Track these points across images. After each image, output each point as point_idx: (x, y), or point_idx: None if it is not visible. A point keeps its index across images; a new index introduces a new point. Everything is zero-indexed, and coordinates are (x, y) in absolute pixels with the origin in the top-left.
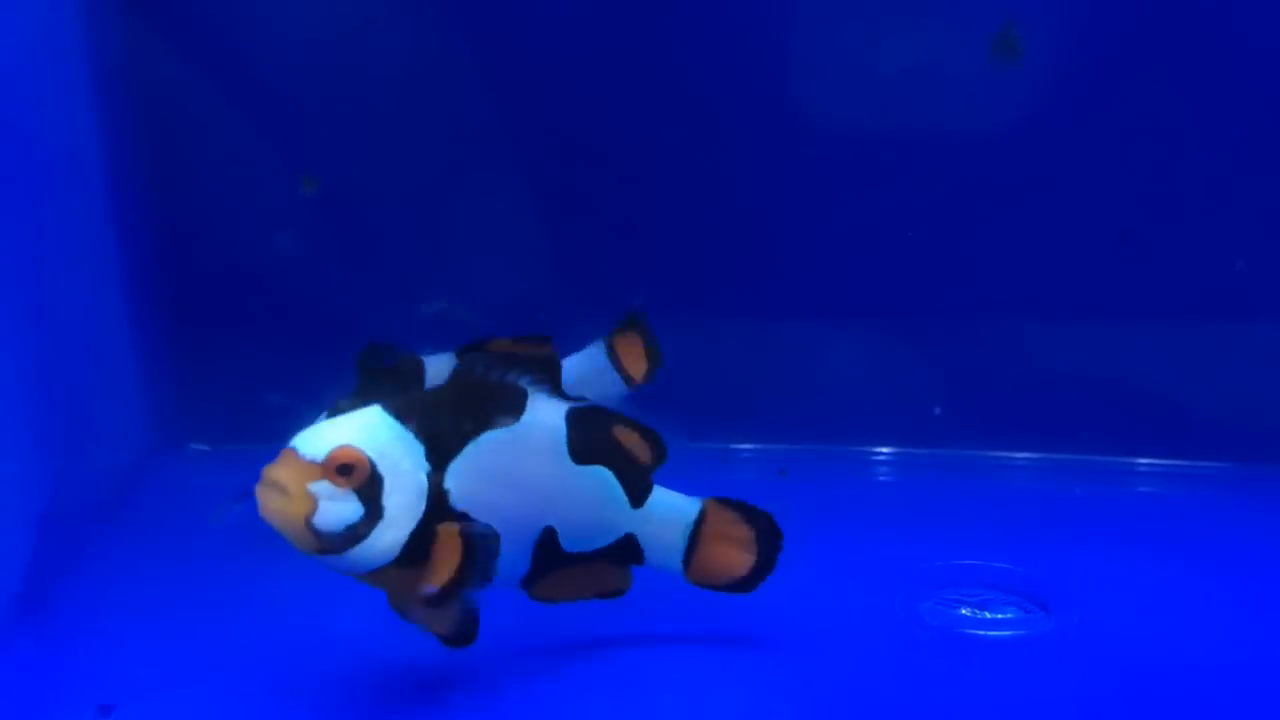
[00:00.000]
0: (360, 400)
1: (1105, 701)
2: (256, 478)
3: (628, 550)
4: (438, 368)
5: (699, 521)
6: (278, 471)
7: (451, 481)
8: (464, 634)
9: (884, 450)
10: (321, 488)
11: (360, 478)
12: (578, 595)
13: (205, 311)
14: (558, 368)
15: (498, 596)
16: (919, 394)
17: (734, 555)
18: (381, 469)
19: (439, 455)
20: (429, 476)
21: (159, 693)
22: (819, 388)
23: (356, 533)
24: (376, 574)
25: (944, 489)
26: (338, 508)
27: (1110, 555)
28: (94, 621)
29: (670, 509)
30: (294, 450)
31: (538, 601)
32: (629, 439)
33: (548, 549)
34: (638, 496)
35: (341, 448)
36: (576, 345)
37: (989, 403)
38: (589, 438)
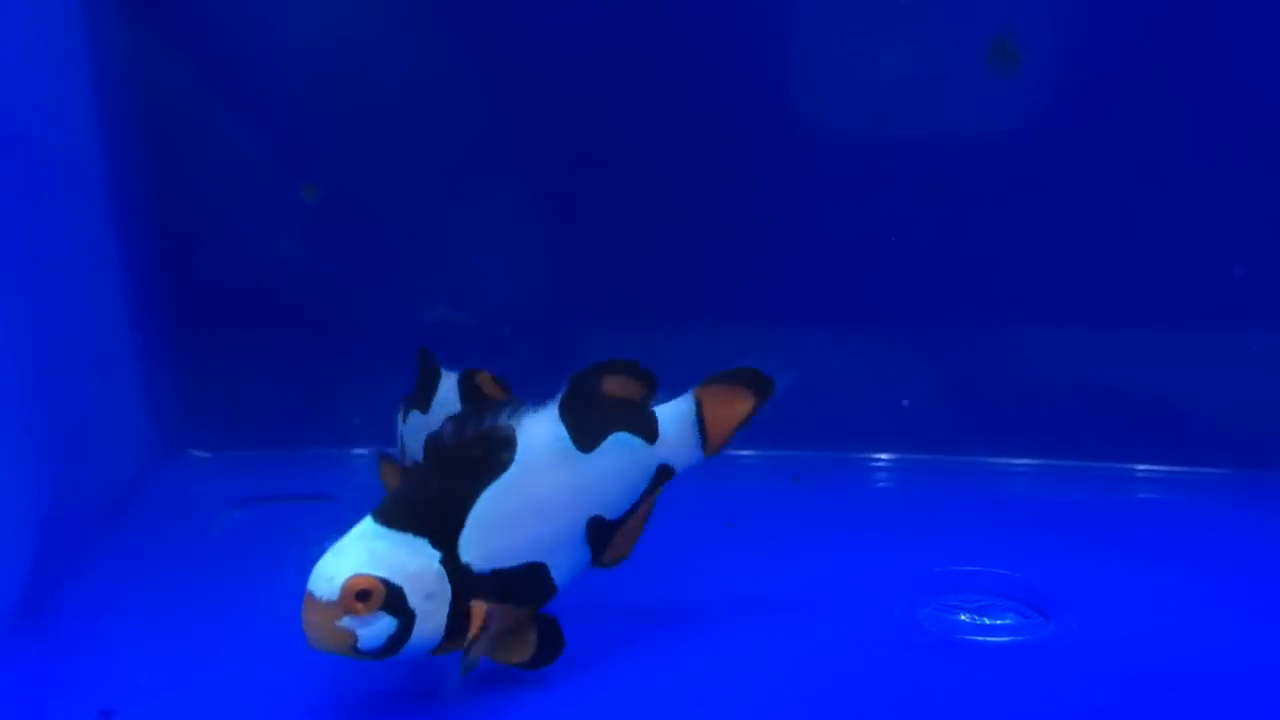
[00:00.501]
0: (420, 396)
1: (1103, 706)
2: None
3: (663, 475)
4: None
5: (699, 409)
6: (309, 616)
7: (467, 554)
8: (546, 653)
9: (884, 456)
10: (349, 621)
11: (379, 598)
12: (633, 540)
13: (206, 318)
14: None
15: None
16: (920, 401)
17: (736, 409)
18: (395, 580)
19: (442, 539)
20: (442, 563)
21: (159, 697)
22: (820, 394)
23: (399, 639)
24: (436, 650)
25: (944, 495)
26: (373, 630)
27: (1109, 561)
28: (95, 626)
29: (676, 419)
30: (311, 595)
31: (610, 566)
32: (618, 386)
33: (599, 531)
34: (651, 432)
35: (350, 580)
36: (576, 352)
37: (989, 409)
38: (588, 419)
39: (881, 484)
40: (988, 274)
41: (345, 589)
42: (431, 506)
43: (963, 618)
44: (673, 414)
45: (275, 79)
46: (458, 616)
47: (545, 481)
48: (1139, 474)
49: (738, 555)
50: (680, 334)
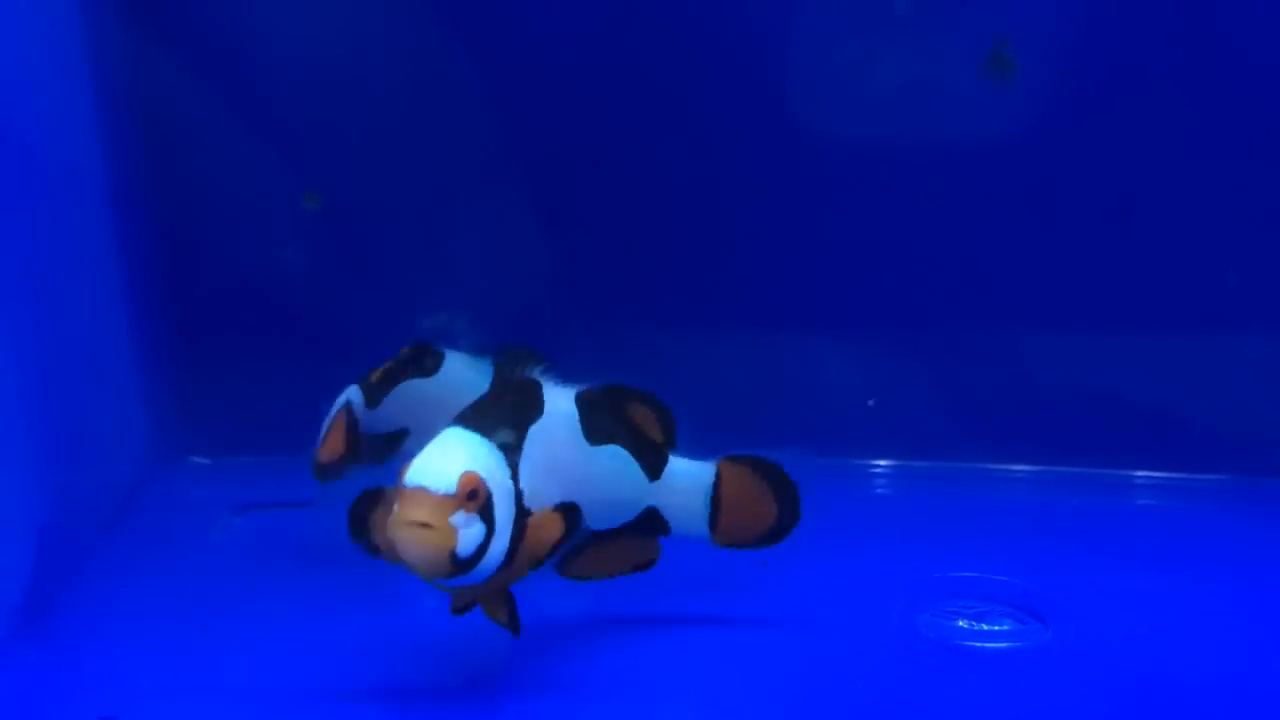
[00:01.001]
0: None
1: (1101, 712)
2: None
3: (652, 523)
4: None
5: (716, 483)
6: (418, 511)
7: (523, 482)
8: (516, 620)
9: (883, 463)
10: (459, 518)
11: (482, 499)
12: (609, 572)
13: (207, 325)
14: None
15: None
16: (918, 407)
17: (757, 510)
18: (491, 486)
19: (513, 460)
20: (512, 480)
21: (161, 704)
22: (818, 401)
23: (480, 552)
24: (485, 586)
25: (942, 502)
26: (472, 533)
27: (1107, 567)
28: (96, 633)
29: (687, 477)
30: (425, 489)
31: (570, 579)
32: (641, 415)
33: (579, 529)
34: (654, 469)
35: (466, 474)
36: (576, 360)
37: (988, 416)
38: (602, 418)
39: (880, 490)
40: (986, 281)
41: (463, 482)
42: (503, 429)
43: (961, 624)
44: (686, 469)
45: (276, 88)
46: (514, 544)
47: (558, 443)
48: (1137, 480)
49: (736, 561)
50: (680, 341)
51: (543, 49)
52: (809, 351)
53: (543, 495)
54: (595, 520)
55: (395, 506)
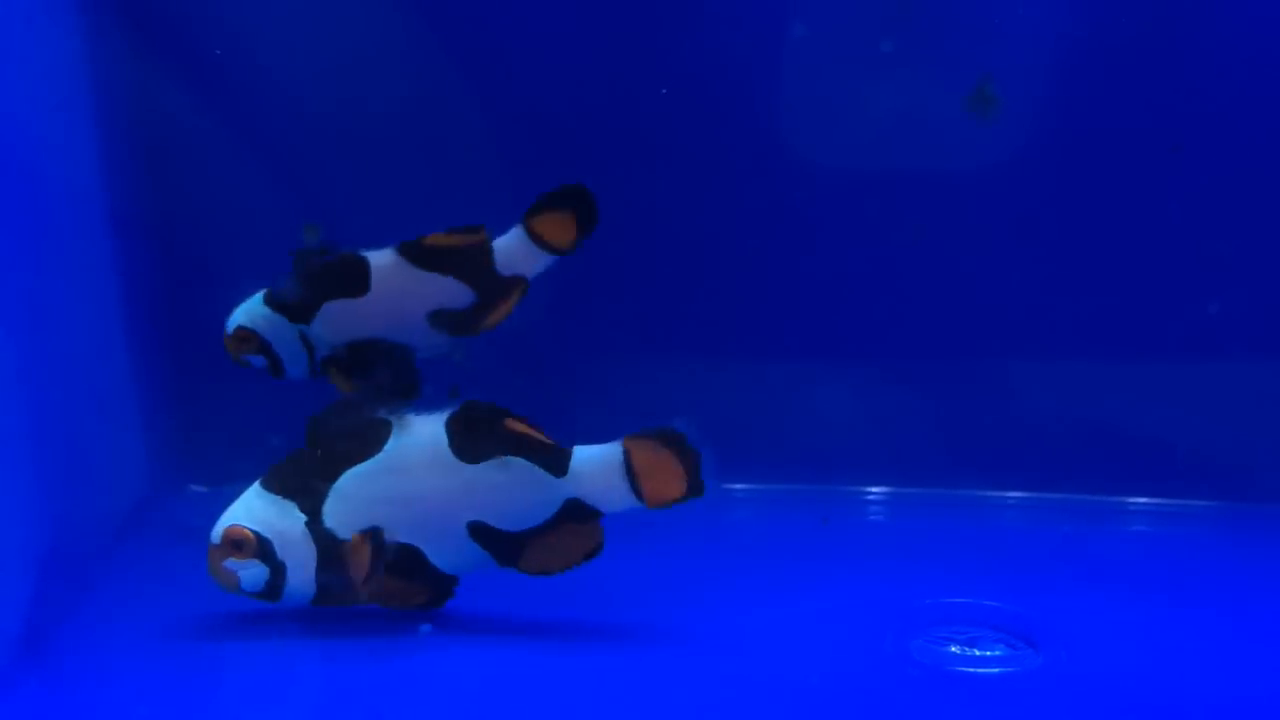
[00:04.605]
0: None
1: None
2: None
3: (580, 511)
4: (380, 263)
5: (627, 458)
6: (209, 558)
7: (330, 521)
8: (437, 598)
9: (876, 490)
10: (231, 564)
11: (251, 547)
12: (565, 562)
13: (205, 354)
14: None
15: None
16: (911, 435)
17: (672, 468)
18: (266, 534)
19: (309, 505)
20: (307, 525)
21: None
22: (811, 428)
23: (275, 585)
24: (328, 600)
25: (935, 528)
26: (250, 574)
27: (1099, 593)
28: (95, 661)
29: (597, 461)
30: (210, 541)
31: (531, 575)
32: (520, 426)
33: (489, 535)
34: (558, 467)
35: (228, 529)
36: (568, 386)
37: (980, 443)
38: (478, 437)
39: (874, 516)
40: (977, 310)
41: (225, 536)
42: (303, 476)
43: (953, 649)
44: (594, 454)
45: (277, 118)
46: (330, 573)
47: (415, 475)
48: (1129, 507)
49: (729, 586)
50: (673, 369)
51: (542, 80)
52: (802, 379)
53: (384, 521)
54: (507, 523)
55: None
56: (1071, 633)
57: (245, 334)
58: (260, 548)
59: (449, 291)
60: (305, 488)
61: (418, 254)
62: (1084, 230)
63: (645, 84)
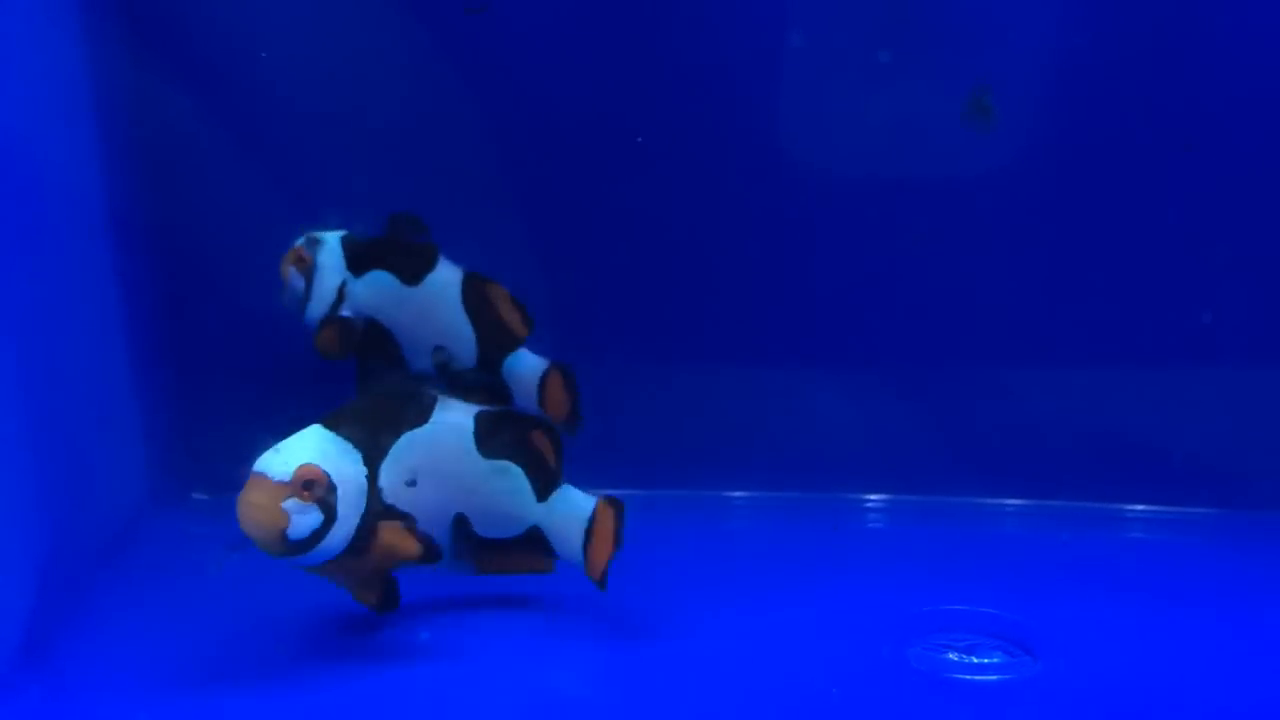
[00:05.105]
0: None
1: None
2: None
3: (536, 542)
4: (442, 272)
5: (593, 517)
6: (253, 494)
7: (384, 480)
8: (388, 603)
9: (875, 497)
10: (291, 504)
11: (320, 490)
12: (512, 569)
13: (206, 362)
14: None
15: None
16: (909, 442)
17: (606, 546)
18: (335, 479)
19: (372, 458)
20: (367, 478)
21: None
22: (810, 436)
23: (318, 536)
24: (326, 566)
25: (934, 535)
26: (305, 519)
27: (1096, 600)
28: (95, 669)
29: (570, 504)
30: (264, 475)
31: (483, 573)
32: (539, 440)
33: (463, 533)
34: (544, 490)
35: (303, 466)
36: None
37: (978, 451)
38: (500, 436)
39: (872, 524)
40: (976, 317)
41: (298, 473)
42: (370, 427)
43: (951, 656)
44: (572, 498)
45: (279, 125)
46: (361, 534)
47: (442, 454)
48: (1128, 514)
49: (728, 593)
50: (675, 376)
51: (545, 88)
52: (800, 387)
53: (417, 496)
54: (482, 526)
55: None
56: (1069, 640)
57: (303, 255)
58: (327, 493)
59: (462, 340)
60: (369, 439)
61: (470, 290)
62: (1082, 238)
63: (646, 94)
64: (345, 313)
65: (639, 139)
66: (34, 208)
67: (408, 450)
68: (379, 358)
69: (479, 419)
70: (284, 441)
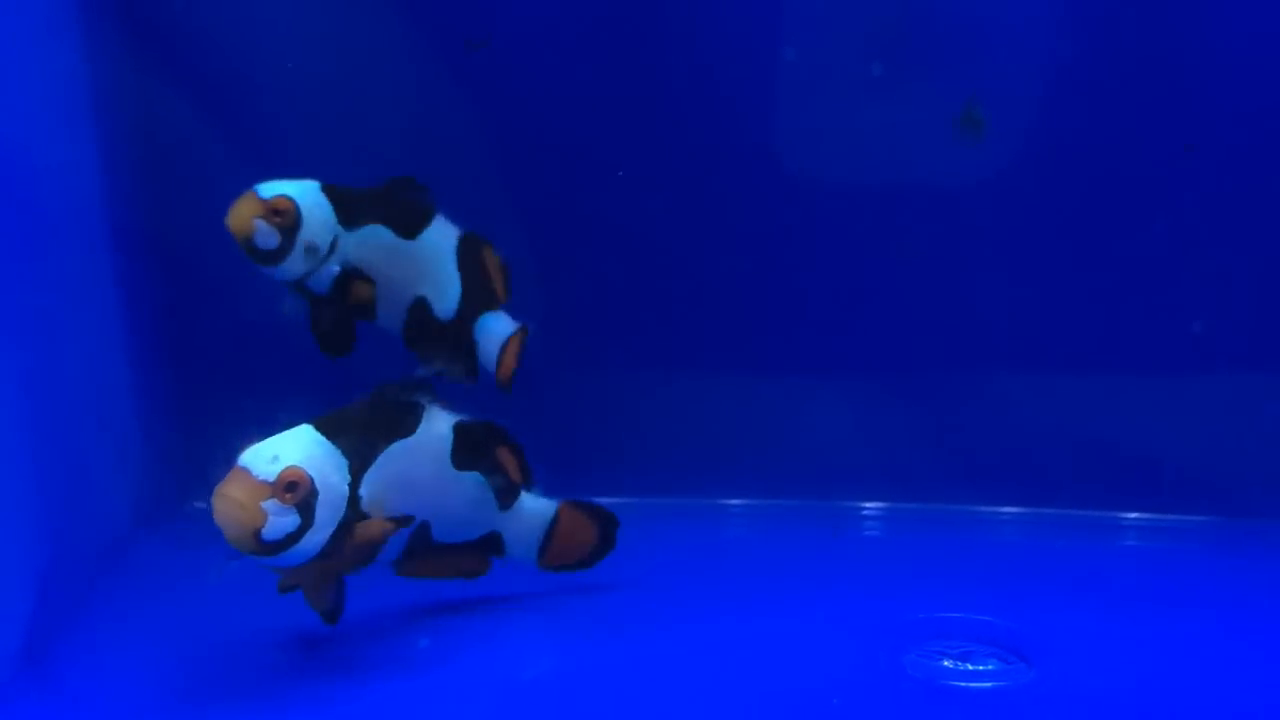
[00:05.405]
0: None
1: None
2: None
3: (490, 544)
4: (438, 227)
5: (554, 521)
6: (233, 489)
7: (364, 489)
8: (335, 611)
9: (871, 505)
10: (270, 505)
11: (302, 494)
12: (438, 574)
13: (206, 370)
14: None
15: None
16: (906, 450)
17: (579, 543)
18: (318, 484)
19: (357, 467)
20: (349, 485)
21: None
22: (807, 444)
23: (291, 540)
24: (291, 574)
25: (930, 543)
26: (282, 521)
27: (1092, 608)
28: (94, 678)
29: (531, 512)
30: (247, 470)
31: (402, 576)
32: (504, 456)
33: (420, 539)
34: (505, 502)
35: (289, 468)
36: (567, 404)
37: (975, 459)
38: (471, 449)
39: (868, 532)
40: (973, 326)
41: (283, 475)
42: (361, 436)
43: (946, 663)
44: (532, 506)
45: (282, 136)
46: (334, 540)
47: (422, 464)
48: (1123, 522)
49: (724, 600)
50: (667, 385)
51: (538, 99)
52: (797, 395)
53: (392, 506)
54: (443, 534)
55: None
56: (1064, 647)
57: (286, 206)
58: (307, 498)
59: (447, 295)
60: (358, 447)
61: (466, 248)
62: (1076, 247)
63: (642, 107)
64: (334, 266)
65: (620, 173)
66: (34, 214)
67: (391, 461)
68: (347, 308)
69: (457, 430)
70: (272, 438)
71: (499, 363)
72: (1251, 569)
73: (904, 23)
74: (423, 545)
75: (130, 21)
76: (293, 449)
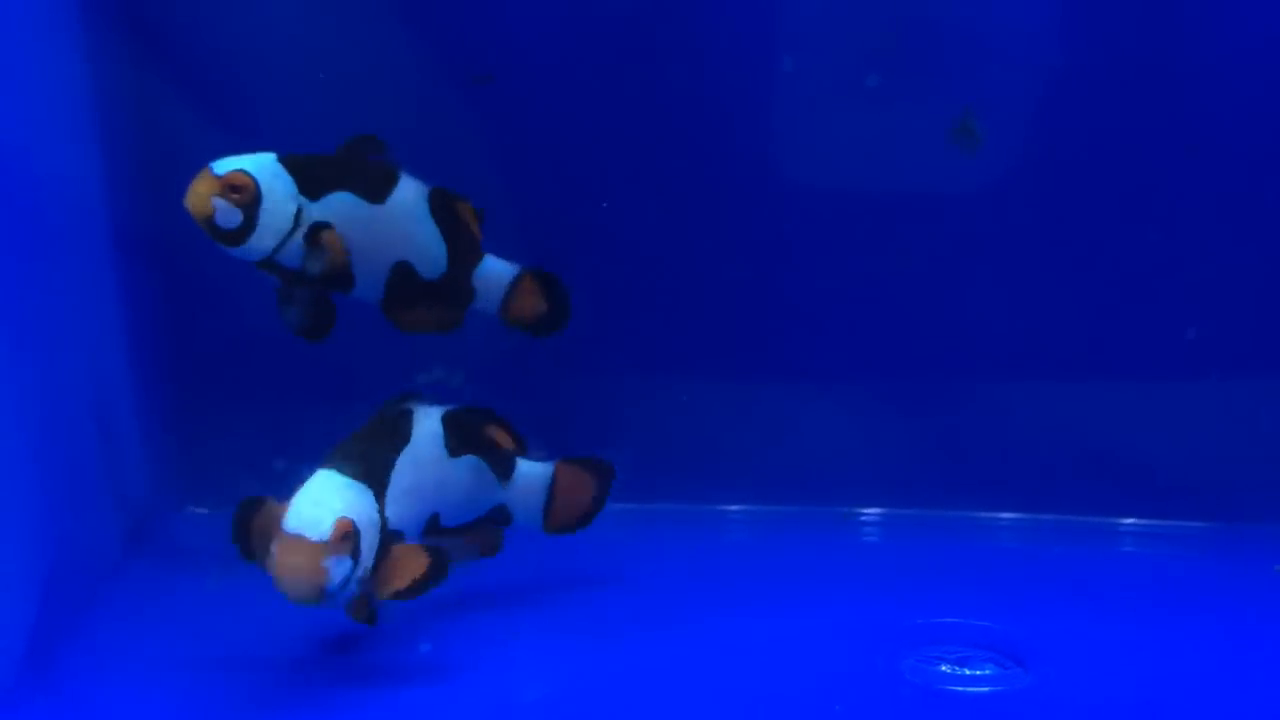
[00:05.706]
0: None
1: None
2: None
3: (498, 516)
4: (407, 186)
5: (553, 481)
6: (294, 558)
7: (389, 510)
8: (373, 614)
9: (868, 511)
10: (331, 561)
11: (354, 540)
12: (456, 560)
13: (206, 376)
14: None
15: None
16: (904, 456)
17: (579, 499)
18: (359, 525)
19: (378, 493)
20: (379, 512)
21: None
22: (806, 450)
23: (346, 583)
24: (350, 605)
25: (928, 549)
26: (338, 571)
27: (1089, 613)
28: (97, 682)
29: (530, 475)
30: (301, 536)
31: None
32: (496, 433)
33: (432, 528)
34: (504, 475)
35: (338, 521)
36: (566, 411)
37: (972, 464)
38: (461, 434)
39: (866, 537)
40: (968, 333)
41: (336, 529)
42: (370, 461)
43: (944, 668)
44: (530, 472)
45: (282, 140)
46: (377, 566)
47: (424, 462)
48: (1120, 528)
49: (723, 605)
50: (665, 391)
51: (536, 110)
52: (795, 401)
53: (407, 513)
54: (451, 519)
55: (274, 548)
56: (1061, 652)
57: (244, 181)
58: (356, 542)
59: (429, 254)
60: (373, 473)
61: (438, 203)
62: (1071, 254)
63: (639, 116)
64: (298, 239)
65: (604, 204)
66: (35, 218)
67: (401, 474)
68: (322, 281)
69: (446, 421)
70: (305, 494)
71: (515, 309)
72: (1247, 574)
73: (900, 34)
74: (434, 531)
75: (130, 22)
76: (332, 501)
